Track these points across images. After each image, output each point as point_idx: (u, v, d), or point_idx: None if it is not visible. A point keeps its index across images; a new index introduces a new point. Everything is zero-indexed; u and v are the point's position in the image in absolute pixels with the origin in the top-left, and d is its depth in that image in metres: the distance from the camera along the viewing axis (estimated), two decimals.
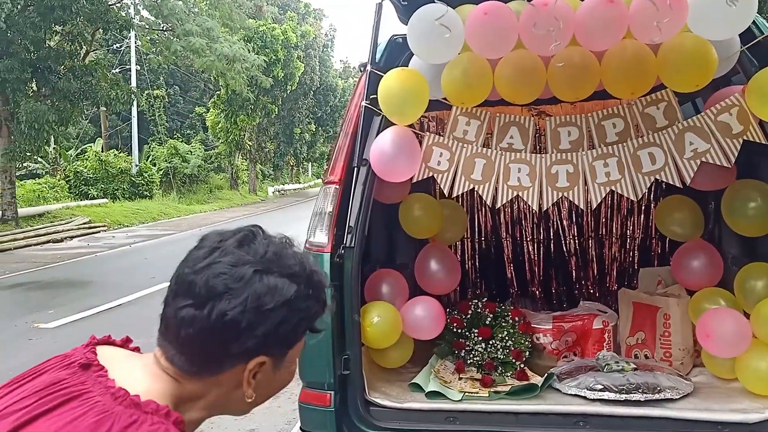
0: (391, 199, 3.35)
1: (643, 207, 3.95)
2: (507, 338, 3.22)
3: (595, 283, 4.01)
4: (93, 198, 25.09)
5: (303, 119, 43.90)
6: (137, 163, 29.16)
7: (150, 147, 33.11)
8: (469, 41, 2.72)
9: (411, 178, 3.00)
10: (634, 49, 2.67)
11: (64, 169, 26.64)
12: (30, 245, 15.98)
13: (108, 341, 1.04)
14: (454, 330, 3.28)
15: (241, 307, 0.90)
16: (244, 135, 35.83)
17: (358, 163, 2.87)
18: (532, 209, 4.01)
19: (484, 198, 2.94)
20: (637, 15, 2.52)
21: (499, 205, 2.96)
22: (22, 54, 16.65)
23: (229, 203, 32.08)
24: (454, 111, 3.04)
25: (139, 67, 30.96)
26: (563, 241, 4.07)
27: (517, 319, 3.33)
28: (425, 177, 3.02)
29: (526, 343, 3.24)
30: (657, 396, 2.69)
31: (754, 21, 2.62)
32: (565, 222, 4.05)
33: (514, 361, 3.14)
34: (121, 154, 28.59)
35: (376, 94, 2.86)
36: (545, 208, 2.99)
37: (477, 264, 4.17)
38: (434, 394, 2.87)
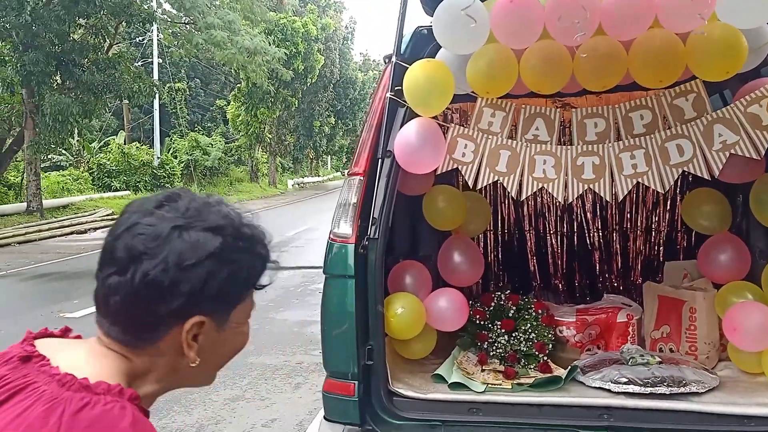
0: (415, 191, 3.36)
1: (668, 200, 3.91)
2: (530, 331, 3.21)
3: (618, 276, 3.98)
4: (116, 190, 25.43)
5: (323, 112, 44.01)
6: (159, 156, 29.47)
7: (171, 139, 33.41)
8: (495, 31, 2.71)
9: (435, 170, 3.00)
10: (662, 37, 2.64)
11: (88, 162, 27.00)
12: (54, 236, 16.25)
13: (46, 334, 0.99)
14: (477, 322, 3.28)
15: (162, 266, 0.86)
16: (264, 128, 36.02)
17: (383, 154, 2.88)
18: (556, 202, 4.00)
19: (508, 190, 2.93)
20: (667, 3, 2.49)
21: (524, 197, 2.95)
22: (47, 47, 16.89)
23: (249, 196, 32.29)
24: (479, 102, 3.04)
25: (161, 60, 31.23)
26: (587, 234, 4.04)
27: (540, 311, 3.32)
28: (449, 169, 3.01)
29: (549, 335, 3.23)
30: (682, 389, 2.67)
31: None
32: (589, 215, 4.03)
33: (537, 353, 3.13)
34: (143, 147, 28.92)
35: (401, 86, 2.87)
36: (570, 201, 2.97)
37: (500, 256, 4.16)
38: (457, 386, 2.87)
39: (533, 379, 2.93)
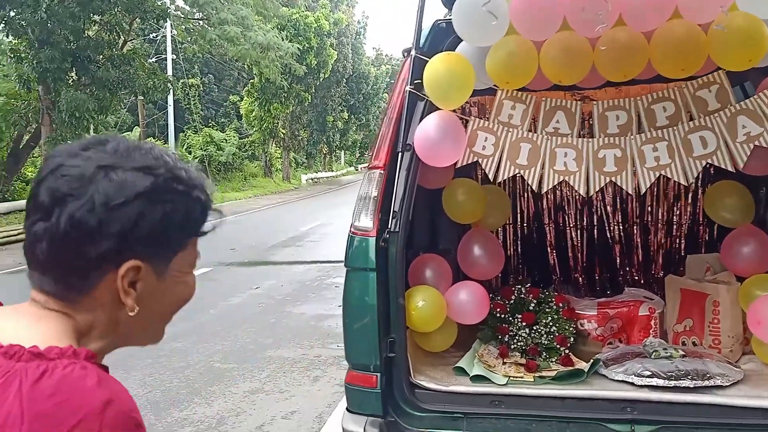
0: (435, 184, 3.36)
1: (690, 192, 3.87)
2: (551, 324, 3.20)
3: (639, 269, 3.96)
4: None
5: (336, 107, 44.05)
6: (174, 151, 29.60)
7: (186, 135, 33.59)
8: (515, 23, 2.70)
9: (455, 163, 3.00)
10: (683, 28, 2.62)
11: None
12: None
13: None
14: (498, 315, 3.28)
15: (88, 206, 0.81)
16: (278, 123, 36.12)
17: (402, 148, 2.88)
18: (575, 195, 3.99)
19: (529, 183, 2.93)
20: None
21: (544, 190, 2.94)
22: (62, 44, 17.03)
23: (264, 191, 32.43)
24: (498, 95, 3.03)
25: (174, 56, 31.35)
26: (607, 228, 4.02)
27: (561, 304, 3.31)
28: (470, 162, 3.01)
29: (571, 329, 3.22)
30: (706, 383, 2.65)
31: None
32: (609, 208, 4.00)
33: (558, 346, 3.13)
34: (158, 143, 29.05)
35: (420, 80, 2.86)
36: (592, 194, 2.96)
37: (519, 250, 4.16)
38: (479, 378, 2.88)
39: (555, 372, 2.93)
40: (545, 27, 2.69)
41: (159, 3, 19.94)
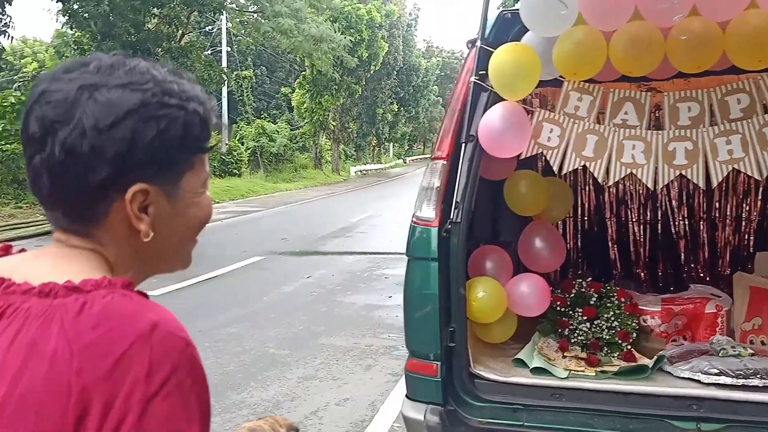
0: (497, 176, 3.34)
1: (761, 188, 3.75)
2: (613, 319, 3.16)
3: (705, 266, 3.86)
4: None
5: (385, 99, 44.12)
6: (227, 142, 30.20)
7: (238, 126, 34.20)
8: (584, 13, 2.66)
9: (518, 155, 2.98)
10: (759, 18, 2.53)
11: None
12: None
13: None
14: (558, 308, 3.25)
15: (78, 130, 0.76)
16: (328, 115, 36.40)
17: (466, 139, 2.87)
18: (639, 189, 3.91)
19: (595, 175, 2.89)
20: None
21: (611, 182, 2.90)
22: (123, 36, 17.55)
23: (313, 182, 32.78)
24: (565, 86, 2.99)
25: (228, 49, 31.92)
26: (672, 223, 3.93)
27: (623, 299, 3.26)
28: (534, 153, 2.99)
29: (633, 324, 3.17)
30: None
31: None
32: (674, 202, 3.91)
33: (620, 342, 3.08)
34: (212, 133, 29.67)
35: (485, 71, 2.85)
36: (661, 187, 2.90)
37: (579, 244, 4.10)
38: (539, 371, 2.86)
39: (617, 367, 2.89)
40: (616, 16, 2.65)
41: None
